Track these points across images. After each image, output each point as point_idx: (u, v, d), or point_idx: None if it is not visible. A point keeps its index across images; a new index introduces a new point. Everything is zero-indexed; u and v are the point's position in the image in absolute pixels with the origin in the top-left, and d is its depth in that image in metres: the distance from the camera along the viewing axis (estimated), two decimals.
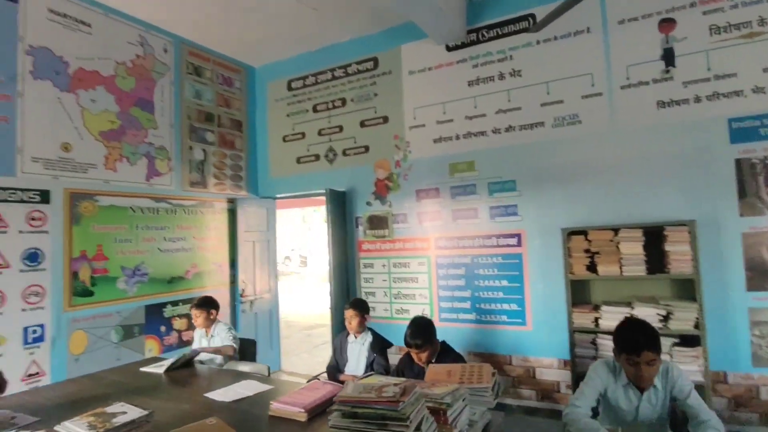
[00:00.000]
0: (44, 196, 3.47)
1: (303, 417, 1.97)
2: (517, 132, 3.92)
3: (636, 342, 1.76)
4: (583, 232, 3.44)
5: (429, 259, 4.33)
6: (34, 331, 3.39)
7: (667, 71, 3.31)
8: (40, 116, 3.46)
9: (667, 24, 3.27)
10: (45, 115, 3.48)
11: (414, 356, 2.57)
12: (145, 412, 1.76)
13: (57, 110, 3.57)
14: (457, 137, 4.20)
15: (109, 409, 1.76)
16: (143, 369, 2.97)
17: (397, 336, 3.77)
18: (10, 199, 3.27)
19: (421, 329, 2.56)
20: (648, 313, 3.13)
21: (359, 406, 1.41)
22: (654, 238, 3.21)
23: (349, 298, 4.63)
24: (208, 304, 3.36)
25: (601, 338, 3.31)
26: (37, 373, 3.37)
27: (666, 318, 3.11)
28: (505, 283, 3.97)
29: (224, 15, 4.21)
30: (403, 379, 1.81)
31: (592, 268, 3.39)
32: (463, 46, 4.18)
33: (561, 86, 3.75)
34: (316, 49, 4.98)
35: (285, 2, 3.97)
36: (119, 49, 4.04)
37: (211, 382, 2.70)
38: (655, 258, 3.20)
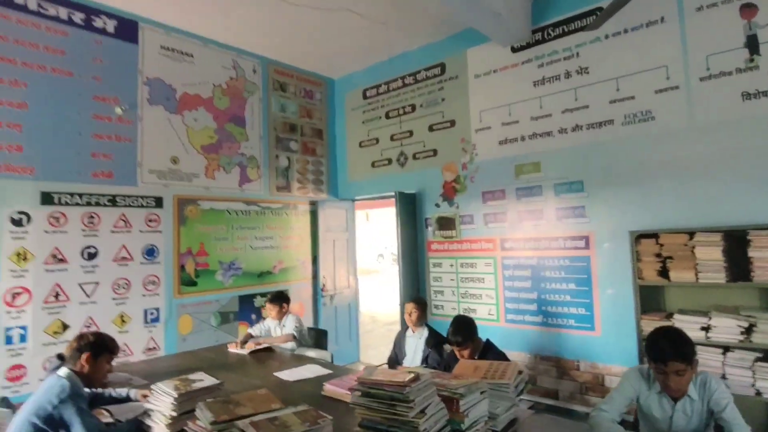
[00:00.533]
0: (158, 202, 4.19)
1: (349, 398, 2.22)
2: (585, 131, 3.80)
3: (662, 351, 1.73)
4: (654, 236, 3.26)
5: (495, 260, 4.36)
6: (152, 313, 4.11)
7: (752, 60, 3.00)
8: (155, 135, 4.17)
9: (748, 9, 2.97)
10: (158, 135, 4.20)
11: (456, 353, 2.69)
12: (217, 382, 2.14)
13: (167, 130, 4.27)
14: (523, 138, 4.17)
15: (191, 377, 2.18)
16: (232, 350, 3.49)
17: None
18: (132, 204, 4.01)
19: (462, 327, 2.68)
20: (728, 325, 2.90)
21: (374, 387, 1.63)
22: (735, 242, 2.95)
23: (421, 295, 4.84)
24: (280, 299, 3.79)
25: None
26: (154, 348, 4.08)
27: (748, 330, 2.85)
28: (572, 286, 3.87)
29: (305, 34, 4.63)
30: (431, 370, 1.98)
31: (664, 273, 3.20)
32: (528, 46, 4.15)
33: (632, 81, 3.56)
34: (387, 58, 5.25)
35: (357, 19, 4.27)
36: (216, 74, 4.68)
37: (282, 364, 3.11)
38: (737, 264, 2.94)
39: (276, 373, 2.85)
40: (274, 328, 3.80)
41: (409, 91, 5.09)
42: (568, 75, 3.91)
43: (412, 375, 1.65)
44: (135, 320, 4.00)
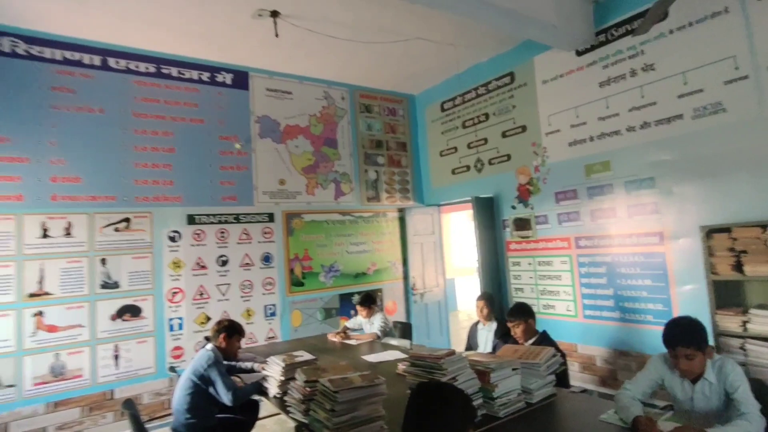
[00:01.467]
0: (270, 217, 5.10)
1: None
2: (653, 128, 3.82)
3: (673, 337, 1.94)
4: (726, 230, 3.24)
5: (570, 258, 4.51)
6: (270, 309, 5.02)
7: None
8: (265, 163, 5.10)
9: None
10: (268, 162, 5.11)
11: (511, 331, 3.05)
12: (313, 358, 2.80)
13: (275, 157, 5.17)
14: (591, 139, 4.28)
15: (295, 353, 2.87)
16: (331, 338, 4.21)
17: (540, 329, 4.26)
18: (251, 220, 4.96)
19: (516, 308, 3.07)
20: None
21: (419, 360, 2.12)
22: None
23: (500, 293, 5.15)
24: (368, 301, 4.39)
25: (751, 343, 3.08)
26: (273, 337, 4.98)
27: None
28: (648, 282, 3.90)
29: (384, 60, 5.17)
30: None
31: (739, 268, 3.17)
32: (593, 48, 4.25)
33: (700, 74, 3.53)
34: (461, 72, 5.63)
35: (429, 42, 4.71)
36: (311, 105, 5.51)
37: (370, 349, 3.73)
38: None
39: (363, 356, 3.46)
40: (365, 324, 4.42)
41: (482, 100, 5.42)
42: (633, 73, 3.96)
43: (449, 351, 2.12)
44: (258, 314, 4.94)
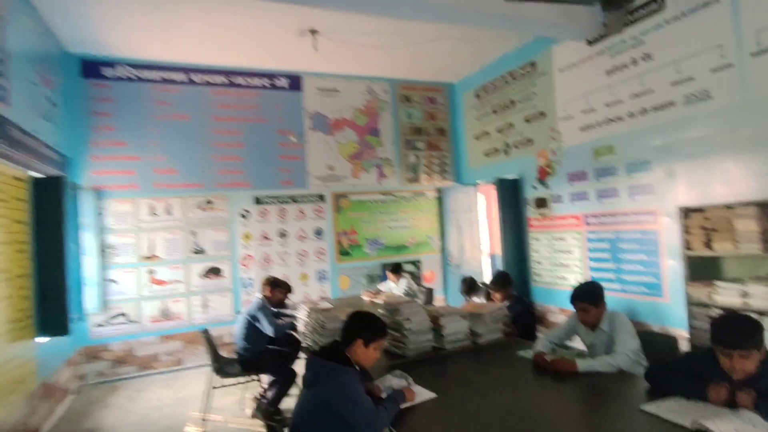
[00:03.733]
0: (321, 198, 6.08)
1: None
2: (650, 114, 4.10)
3: (573, 295, 2.53)
4: (701, 210, 3.54)
5: (580, 234, 4.92)
6: (321, 274, 6.07)
7: None
8: (317, 152, 6.06)
9: None
10: (319, 151, 6.07)
11: (492, 296, 3.70)
12: (331, 306, 3.72)
13: (324, 147, 6.11)
14: (599, 124, 4.61)
15: (320, 304, 3.81)
16: (364, 297, 5.12)
17: (556, 298, 4.85)
18: (306, 201, 5.98)
19: (497, 278, 3.75)
20: (763, 292, 3.13)
21: (389, 306, 2.93)
22: None
23: (523, 265, 5.68)
24: (396, 270, 5.23)
25: (715, 312, 3.42)
26: (324, 296, 6.03)
27: None
28: (644, 257, 4.25)
29: (422, 55, 5.69)
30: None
31: (709, 245, 3.48)
32: (601, 38, 4.53)
33: (691, 63, 3.75)
34: (491, 61, 6.07)
35: (462, 36, 5.22)
36: (355, 99, 6.33)
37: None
38: None
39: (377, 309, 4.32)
40: (393, 287, 5.27)
41: (509, 88, 5.85)
42: (634, 62, 4.22)
43: (410, 301, 2.90)
44: (312, 278, 6.01)
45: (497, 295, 3.67)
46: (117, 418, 4.00)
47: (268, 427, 2.38)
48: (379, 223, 6.42)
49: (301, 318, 3.67)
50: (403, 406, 2.04)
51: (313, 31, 4.80)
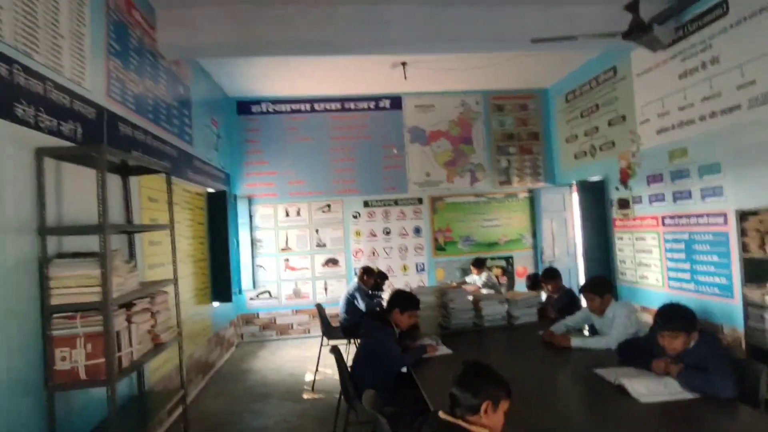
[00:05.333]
0: (419, 201, 7.04)
1: None
2: (719, 117, 4.15)
3: (582, 286, 3.05)
4: (756, 213, 3.61)
5: (658, 235, 5.04)
6: (420, 266, 7.04)
7: None
8: (415, 161, 7.03)
9: None
10: (417, 160, 7.03)
11: (544, 287, 4.24)
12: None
13: (422, 156, 7.05)
14: (673, 127, 4.71)
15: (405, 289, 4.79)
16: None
17: (639, 297, 5.35)
18: (406, 203, 7.01)
19: (548, 271, 4.22)
20: None
21: (440, 290, 3.77)
22: None
23: (609, 263, 5.90)
24: (479, 264, 5.91)
25: None
26: (422, 285, 6.98)
27: None
28: (715, 258, 4.31)
29: (510, 67, 6.20)
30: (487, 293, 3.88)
31: (763, 247, 3.55)
32: (674, 43, 4.63)
33: (755, 66, 3.78)
34: (578, 67, 6.31)
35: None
36: (450, 112, 7.13)
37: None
38: None
39: None
40: (476, 280, 5.98)
41: (594, 92, 6.05)
42: (704, 66, 4.29)
43: (458, 286, 3.71)
44: (411, 269, 7.02)
45: (548, 287, 4.20)
46: (262, 365, 5.53)
47: None
48: (472, 222, 7.14)
49: (386, 298, 4.69)
50: (425, 355, 2.90)
51: (404, 63, 5.77)
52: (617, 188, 5.70)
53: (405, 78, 5.92)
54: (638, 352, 2.46)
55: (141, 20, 3.72)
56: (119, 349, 2.42)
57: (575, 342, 2.91)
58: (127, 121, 3.34)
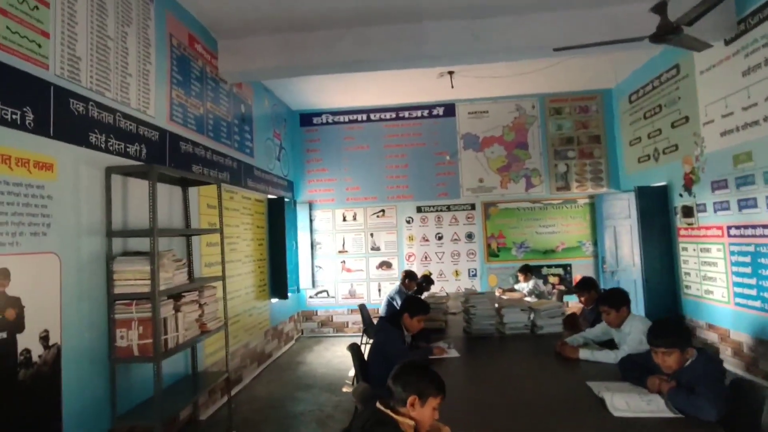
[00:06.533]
0: (472, 206, 7.09)
1: None
2: None
3: (599, 298, 2.99)
4: None
5: (723, 246, 4.63)
6: (472, 271, 7.07)
7: None
8: (468, 167, 7.09)
9: None
10: (470, 166, 7.09)
11: (579, 299, 4.13)
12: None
13: (475, 162, 7.09)
14: (737, 129, 4.32)
15: (437, 295, 4.93)
16: (497, 293, 5.96)
17: (704, 313, 5.06)
18: (458, 209, 7.09)
19: (583, 281, 4.10)
20: None
21: (466, 295, 3.88)
22: None
23: (672, 275, 5.52)
24: (525, 271, 5.83)
25: None
26: (474, 290, 7.01)
27: None
28: None
29: (569, 68, 6.02)
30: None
31: None
32: (736, 37, 4.26)
33: None
34: (640, 65, 5.97)
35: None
36: (504, 118, 7.08)
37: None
38: None
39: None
40: (524, 288, 5.91)
41: (657, 92, 5.69)
42: (767, 62, 3.92)
43: (480, 293, 3.81)
44: (463, 274, 7.08)
45: (581, 298, 4.08)
46: (314, 359, 5.97)
47: None
48: (526, 228, 7.01)
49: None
50: (432, 357, 3.06)
51: (450, 72, 5.89)
52: (681, 195, 5.31)
53: (452, 87, 6.04)
54: (637, 367, 2.41)
55: (203, 51, 4.32)
56: (165, 333, 2.91)
57: (583, 354, 2.88)
58: (188, 140, 3.91)
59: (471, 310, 3.70)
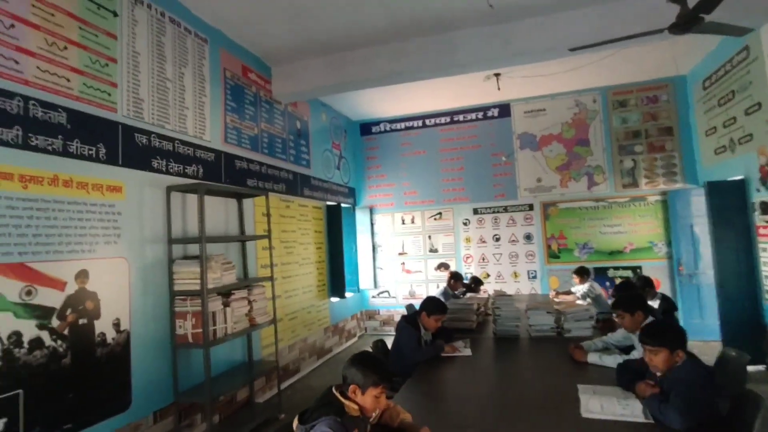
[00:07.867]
0: (530, 207, 6.96)
1: None
2: None
3: (613, 303, 2.92)
4: None
5: None
6: (531, 273, 6.94)
7: None
8: (526, 167, 6.97)
9: None
10: (527, 166, 6.96)
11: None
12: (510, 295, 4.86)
13: (533, 162, 6.95)
14: None
15: (502, 295, 5.00)
16: (551, 295, 5.83)
17: None
18: (516, 210, 7.00)
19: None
20: None
21: (497, 296, 3.96)
22: None
23: (752, 278, 5.00)
24: (580, 273, 5.58)
25: None
26: (535, 293, 6.88)
27: None
28: None
29: (636, 55, 5.61)
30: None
31: None
32: None
33: None
34: (713, 48, 5.44)
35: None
36: (562, 115, 6.85)
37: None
38: None
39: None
40: (579, 290, 5.69)
41: (728, 78, 5.16)
42: None
43: (505, 294, 3.88)
44: (522, 276, 6.98)
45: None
46: None
47: None
48: (589, 228, 6.71)
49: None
50: (444, 354, 3.24)
51: (497, 74, 5.90)
52: (758, 189, 4.78)
53: (498, 89, 6.03)
54: (630, 373, 2.39)
55: (257, 78, 4.90)
56: (214, 324, 3.45)
57: (591, 358, 2.86)
58: (242, 158, 4.50)
59: (497, 311, 3.78)
